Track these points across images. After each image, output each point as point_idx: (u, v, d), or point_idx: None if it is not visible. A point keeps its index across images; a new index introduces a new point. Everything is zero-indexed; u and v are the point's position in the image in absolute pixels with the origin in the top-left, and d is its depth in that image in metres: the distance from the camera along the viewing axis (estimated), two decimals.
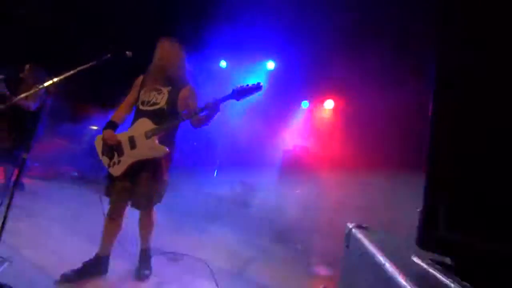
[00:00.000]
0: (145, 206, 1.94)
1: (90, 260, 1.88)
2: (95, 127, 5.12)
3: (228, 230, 3.77)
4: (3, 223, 1.46)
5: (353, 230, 0.90)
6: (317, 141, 5.26)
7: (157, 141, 1.88)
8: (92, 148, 2.07)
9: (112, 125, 1.96)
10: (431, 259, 0.60)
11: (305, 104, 5.81)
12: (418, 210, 0.55)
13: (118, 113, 2.03)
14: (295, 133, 5.61)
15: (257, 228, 3.87)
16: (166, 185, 2.02)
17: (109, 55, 1.86)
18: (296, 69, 5.18)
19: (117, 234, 1.97)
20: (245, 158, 5.28)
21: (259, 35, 4.63)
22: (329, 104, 5.54)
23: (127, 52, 1.92)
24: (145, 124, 1.90)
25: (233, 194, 4.58)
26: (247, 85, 1.81)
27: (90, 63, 1.80)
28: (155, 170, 1.93)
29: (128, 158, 1.89)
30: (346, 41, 4.24)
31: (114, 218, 1.92)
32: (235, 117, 5.07)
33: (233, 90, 1.82)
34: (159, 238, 2.28)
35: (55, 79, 1.66)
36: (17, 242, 2.03)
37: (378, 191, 3.60)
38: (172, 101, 1.98)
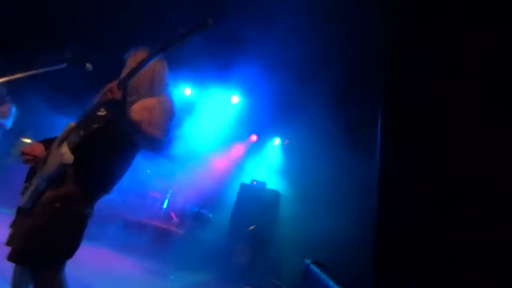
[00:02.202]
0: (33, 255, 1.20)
1: None
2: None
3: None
4: None
5: (310, 265, 0.90)
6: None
7: (64, 149, 1.30)
8: None
9: None
10: None
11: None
12: None
13: None
14: (254, 167, 5.71)
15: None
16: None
17: (65, 64, 1.73)
18: (261, 104, 5.44)
19: None
20: (200, 191, 5.11)
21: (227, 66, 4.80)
22: (276, 141, 5.94)
23: (87, 65, 1.81)
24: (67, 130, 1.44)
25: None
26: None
27: (42, 70, 1.65)
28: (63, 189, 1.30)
29: (34, 182, 1.39)
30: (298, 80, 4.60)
31: None
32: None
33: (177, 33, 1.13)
34: None
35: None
36: None
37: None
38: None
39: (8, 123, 2.85)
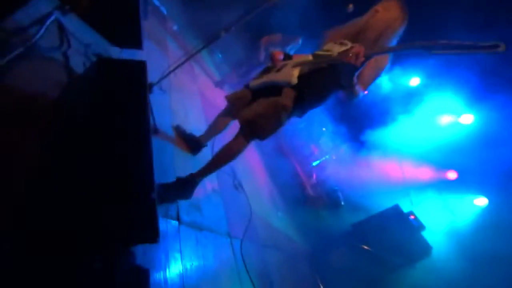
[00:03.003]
0: (248, 125, 1.60)
1: None
2: None
3: None
4: None
5: None
6: None
7: (296, 73, 1.59)
8: None
9: None
10: None
11: None
12: None
13: None
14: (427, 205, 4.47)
15: None
16: (279, 125, 1.62)
17: None
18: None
19: (220, 131, 1.98)
20: (351, 178, 4.79)
21: None
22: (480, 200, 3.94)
23: (350, 5, 1.82)
24: (304, 59, 1.71)
25: None
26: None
27: None
28: (283, 98, 1.59)
29: (266, 78, 1.76)
30: None
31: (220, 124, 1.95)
32: None
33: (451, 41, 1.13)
34: None
35: None
36: None
37: None
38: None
39: None
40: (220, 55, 4.91)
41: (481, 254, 3.44)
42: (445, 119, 4.63)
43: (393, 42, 1.64)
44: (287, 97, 1.55)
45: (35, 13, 0.97)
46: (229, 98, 1.87)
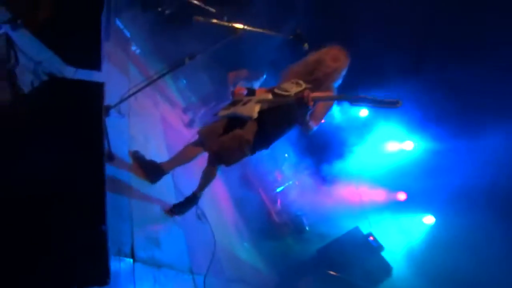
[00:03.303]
0: (216, 156, 1.90)
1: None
2: None
3: None
4: None
5: None
6: None
7: (257, 108, 1.82)
8: None
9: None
10: None
11: None
12: None
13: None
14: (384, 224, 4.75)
15: None
16: (243, 156, 1.90)
17: (290, 37, 2.00)
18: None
19: (187, 161, 2.07)
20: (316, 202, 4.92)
21: None
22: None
23: (305, 45, 2.01)
24: (266, 96, 1.94)
25: None
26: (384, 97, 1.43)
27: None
28: (245, 133, 1.84)
29: (234, 109, 1.96)
30: None
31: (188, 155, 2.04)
32: None
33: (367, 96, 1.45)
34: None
35: None
36: None
37: None
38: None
39: None
40: (184, 81, 4.90)
41: (434, 270, 3.70)
42: (392, 146, 5.17)
43: (339, 81, 1.99)
44: (249, 132, 1.83)
45: None
46: (202, 132, 2.02)
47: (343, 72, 1.97)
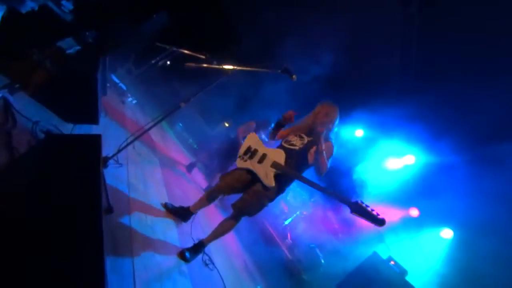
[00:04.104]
0: (240, 211, 2.12)
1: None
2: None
3: None
4: None
5: None
6: None
7: (272, 174, 2.05)
8: None
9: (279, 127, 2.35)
10: None
11: None
12: None
13: (283, 133, 2.39)
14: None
15: None
16: (260, 209, 2.14)
17: (279, 71, 2.12)
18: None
19: (202, 207, 2.36)
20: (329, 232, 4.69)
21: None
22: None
23: (293, 76, 2.12)
24: (279, 156, 2.13)
25: None
26: (372, 210, 1.70)
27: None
28: (264, 189, 2.07)
29: (251, 165, 2.15)
30: None
31: (210, 198, 2.32)
32: None
33: (355, 202, 1.73)
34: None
35: None
36: None
37: None
38: (307, 148, 2.17)
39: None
40: (180, 124, 5.01)
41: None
42: (393, 162, 5.12)
43: (335, 126, 2.31)
44: (272, 192, 2.07)
45: None
46: (223, 181, 2.23)
47: (336, 122, 2.32)
